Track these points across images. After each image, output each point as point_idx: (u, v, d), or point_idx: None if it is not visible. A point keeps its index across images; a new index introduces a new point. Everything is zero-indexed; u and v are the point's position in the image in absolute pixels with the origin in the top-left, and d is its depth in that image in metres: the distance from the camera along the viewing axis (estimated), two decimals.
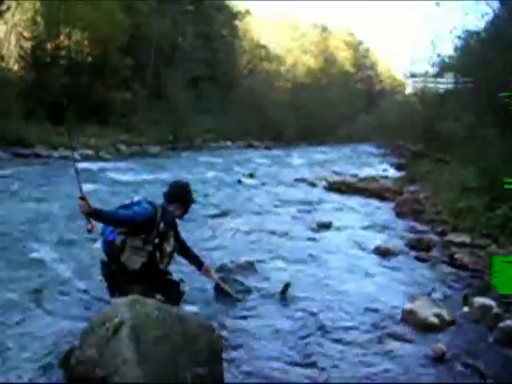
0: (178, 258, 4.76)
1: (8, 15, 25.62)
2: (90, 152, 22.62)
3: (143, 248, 4.03)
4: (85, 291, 5.06)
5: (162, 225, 4.09)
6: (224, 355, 3.61)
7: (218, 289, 5.09)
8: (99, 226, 4.09)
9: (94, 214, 3.77)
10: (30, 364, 3.49)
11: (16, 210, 8.95)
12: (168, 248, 4.21)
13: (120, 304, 3.37)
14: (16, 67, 25.80)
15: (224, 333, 4.12)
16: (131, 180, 14.21)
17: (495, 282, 4.18)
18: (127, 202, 4.29)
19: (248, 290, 5.25)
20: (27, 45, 27.02)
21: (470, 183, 10.07)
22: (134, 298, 3.40)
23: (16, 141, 19.93)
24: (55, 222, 8.19)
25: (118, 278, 4.13)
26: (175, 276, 4.53)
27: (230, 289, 5.04)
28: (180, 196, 4.21)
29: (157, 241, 4.07)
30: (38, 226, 7.89)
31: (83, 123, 27.00)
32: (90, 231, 3.88)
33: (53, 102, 25.18)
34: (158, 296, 4.00)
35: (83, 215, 3.79)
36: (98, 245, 4.49)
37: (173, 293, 4.30)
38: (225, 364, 3.56)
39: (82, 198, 3.70)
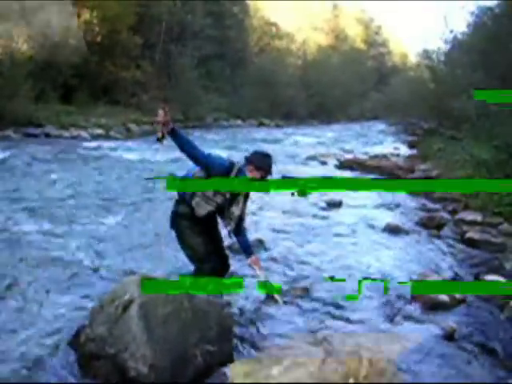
0: None
1: None
2: (100, 131, 22.67)
3: (213, 198, 4.01)
4: (97, 269, 5.10)
5: None
6: (234, 333, 3.62)
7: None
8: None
9: (169, 127, 3.78)
10: (40, 341, 3.53)
11: (44, 188, 9.24)
12: (236, 211, 4.13)
13: (129, 282, 3.39)
14: (25, 47, 25.70)
15: (234, 310, 4.13)
16: (141, 159, 14.22)
17: None
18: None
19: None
20: None
21: (483, 161, 9.95)
22: (143, 276, 3.41)
23: (26, 121, 20.00)
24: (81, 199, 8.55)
25: (183, 222, 4.13)
26: None
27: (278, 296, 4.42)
28: (259, 161, 4.08)
29: (228, 195, 4.03)
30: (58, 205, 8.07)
31: (93, 103, 26.99)
32: (158, 140, 3.84)
33: (62, 82, 25.14)
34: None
35: (159, 124, 3.81)
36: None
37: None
38: (234, 342, 3.57)
39: (164, 109, 3.76)
